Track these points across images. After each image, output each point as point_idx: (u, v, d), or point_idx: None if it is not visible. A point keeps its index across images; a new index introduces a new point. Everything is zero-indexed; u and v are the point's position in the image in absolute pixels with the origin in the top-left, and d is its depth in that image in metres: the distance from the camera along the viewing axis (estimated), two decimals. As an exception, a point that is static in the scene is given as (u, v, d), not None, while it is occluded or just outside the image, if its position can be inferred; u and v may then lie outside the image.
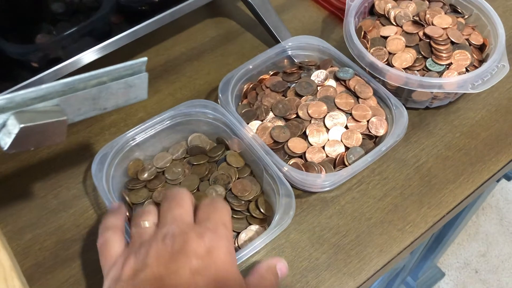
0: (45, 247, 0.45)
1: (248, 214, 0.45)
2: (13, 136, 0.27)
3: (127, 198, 0.46)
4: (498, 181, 0.80)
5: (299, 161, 0.47)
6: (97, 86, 0.30)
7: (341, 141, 0.47)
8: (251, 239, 0.43)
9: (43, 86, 0.27)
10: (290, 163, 0.46)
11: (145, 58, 0.31)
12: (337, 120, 0.48)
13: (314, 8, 0.65)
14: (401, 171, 0.49)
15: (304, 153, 0.47)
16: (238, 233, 0.44)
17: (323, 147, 0.47)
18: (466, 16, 0.55)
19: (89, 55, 0.50)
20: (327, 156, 0.47)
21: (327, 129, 0.48)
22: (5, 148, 0.28)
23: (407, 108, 0.53)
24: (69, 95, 0.29)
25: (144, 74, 0.32)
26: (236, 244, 0.43)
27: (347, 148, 0.47)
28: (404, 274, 1.12)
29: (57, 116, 0.28)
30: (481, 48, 0.53)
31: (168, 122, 0.48)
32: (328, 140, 0.48)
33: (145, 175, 0.47)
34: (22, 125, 0.26)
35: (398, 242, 0.45)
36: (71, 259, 0.44)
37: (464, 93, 0.54)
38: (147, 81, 0.34)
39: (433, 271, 1.30)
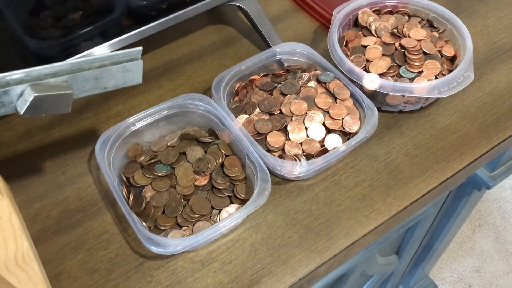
0: (51, 215, 0.51)
1: (231, 194, 0.51)
2: (28, 103, 0.33)
3: (124, 178, 0.52)
4: (479, 190, 0.84)
5: (278, 153, 0.52)
6: (99, 68, 0.36)
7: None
8: (231, 216, 0.48)
9: (55, 64, 0.34)
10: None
11: (140, 48, 0.38)
12: (315, 119, 0.54)
13: (307, 19, 0.71)
14: (372, 166, 0.54)
15: (283, 147, 0.52)
16: (220, 211, 0.50)
17: (301, 144, 0.53)
18: (440, 31, 0.60)
19: (100, 50, 0.57)
20: (303, 151, 0.52)
21: (306, 128, 0.54)
22: (21, 112, 0.34)
23: (382, 111, 0.59)
24: (76, 74, 0.35)
25: (140, 61, 0.39)
26: (218, 220, 0.49)
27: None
28: (395, 281, 1.16)
29: (65, 89, 0.35)
30: (453, 59, 0.58)
31: (166, 112, 0.54)
32: (307, 137, 0.53)
33: (142, 157, 0.53)
34: (35, 94, 0.33)
35: (363, 226, 0.50)
36: (73, 227, 0.50)
37: (437, 100, 0.60)
38: (142, 67, 0.40)
39: (426, 282, 1.33)
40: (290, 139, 0.53)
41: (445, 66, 0.57)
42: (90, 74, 0.36)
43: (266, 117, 0.55)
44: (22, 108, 0.34)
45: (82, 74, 0.36)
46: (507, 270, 1.47)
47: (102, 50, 0.57)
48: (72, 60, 0.34)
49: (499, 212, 1.60)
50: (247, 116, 0.55)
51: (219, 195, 0.51)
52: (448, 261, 1.49)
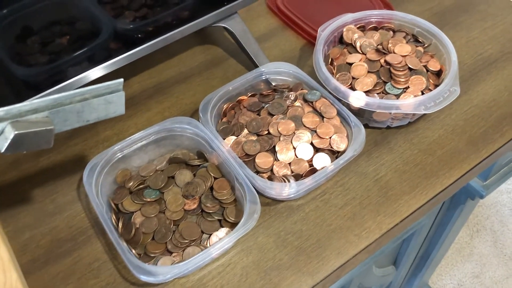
0: (40, 245, 0.51)
1: (221, 218, 0.51)
2: (9, 141, 0.33)
3: (113, 205, 0.51)
4: (473, 199, 0.84)
5: (267, 174, 0.52)
6: (81, 102, 0.36)
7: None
8: (221, 241, 0.48)
9: (36, 101, 0.34)
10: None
11: (121, 79, 0.38)
12: (303, 138, 0.54)
13: (293, 37, 0.71)
14: (362, 183, 0.54)
15: (272, 168, 0.52)
16: (210, 235, 0.49)
17: (289, 164, 0.53)
18: (425, 45, 0.60)
19: (89, 75, 0.56)
20: (292, 172, 0.52)
21: (294, 148, 0.54)
22: (2, 150, 0.34)
23: (370, 128, 0.59)
24: (57, 109, 0.35)
25: (121, 92, 0.39)
26: (208, 245, 0.49)
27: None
28: (393, 291, 1.15)
29: (46, 125, 0.35)
30: (439, 73, 0.59)
31: (154, 136, 0.54)
32: (295, 157, 0.53)
33: (131, 183, 0.53)
34: (16, 132, 0.33)
35: (354, 246, 0.50)
36: (63, 256, 0.50)
37: (424, 114, 0.60)
38: (124, 98, 0.40)
39: (425, 290, 1.33)
40: (278, 160, 0.53)
41: (431, 80, 0.57)
42: (71, 109, 0.36)
43: (254, 138, 0.55)
44: (3, 146, 0.34)
45: (64, 109, 0.36)
46: (506, 275, 1.46)
47: (90, 75, 0.57)
48: (53, 96, 0.34)
49: (496, 216, 1.60)
50: (235, 137, 0.55)
51: (209, 219, 0.51)
52: (447, 268, 1.49)
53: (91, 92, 0.36)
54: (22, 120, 0.34)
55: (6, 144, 0.33)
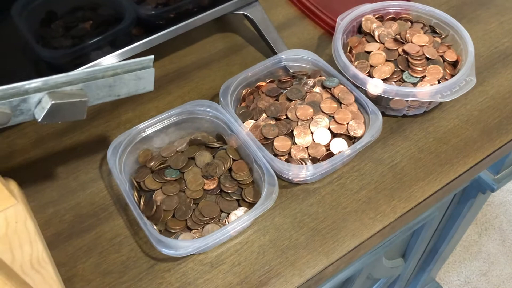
0: (64, 220, 0.52)
1: (239, 198, 0.52)
2: (45, 110, 0.35)
3: (135, 183, 0.53)
4: (484, 193, 0.85)
5: (284, 157, 0.54)
6: (113, 76, 0.38)
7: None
8: (239, 219, 0.50)
9: (71, 73, 0.35)
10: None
11: (152, 56, 0.39)
12: (321, 123, 0.55)
13: (311, 26, 0.72)
14: (377, 169, 0.56)
15: (289, 151, 0.54)
16: (228, 214, 0.51)
17: (307, 148, 0.54)
18: (443, 36, 0.61)
19: (110, 59, 0.58)
20: (309, 155, 0.54)
21: (312, 133, 0.55)
22: (39, 119, 0.36)
23: (386, 116, 0.60)
24: (90, 82, 0.37)
25: (151, 69, 0.40)
26: (227, 223, 0.50)
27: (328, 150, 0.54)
28: (401, 284, 1.17)
29: (80, 97, 0.36)
30: (455, 64, 0.59)
31: (175, 118, 0.56)
32: (313, 142, 0.54)
33: (153, 163, 0.54)
34: (53, 102, 0.34)
35: (369, 228, 0.51)
36: (85, 231, 0.52)
37: (440, 104, 0.61)
38: (153, 75, 0.41)
39: (432, 285, 1.34)
40: (296, 144, 0.54)
41: (447, 71, 0.58)
42: (104, 82, 0.38)
43: (272, 122, 0.56)
44: (40, 115, 0.35)
45: (96, 82, 0.37)
46: (514, 274, 1.47)
47: (111, 59, 0.58)
48: (87, 69, 0.36)
49: (505, 215, 1.60)
50: (254, 121, 0.56)
51: (228, 198, 0.52)
52: (455, 265, 1.50)
53: (123, 67, 0.38)
54: (58, 91, 0.35)
55: (43, 114, 0.35)
